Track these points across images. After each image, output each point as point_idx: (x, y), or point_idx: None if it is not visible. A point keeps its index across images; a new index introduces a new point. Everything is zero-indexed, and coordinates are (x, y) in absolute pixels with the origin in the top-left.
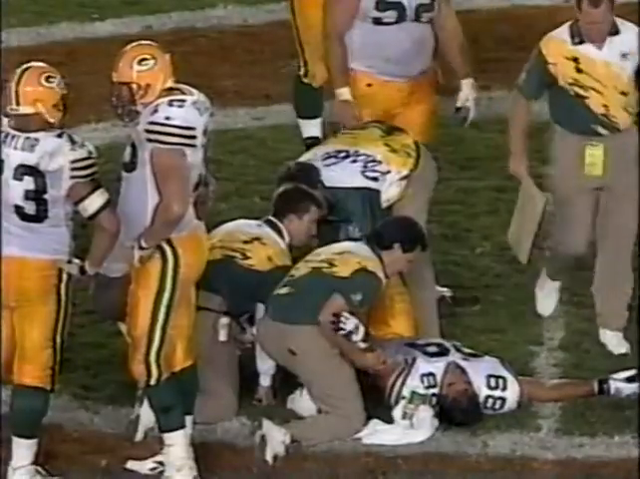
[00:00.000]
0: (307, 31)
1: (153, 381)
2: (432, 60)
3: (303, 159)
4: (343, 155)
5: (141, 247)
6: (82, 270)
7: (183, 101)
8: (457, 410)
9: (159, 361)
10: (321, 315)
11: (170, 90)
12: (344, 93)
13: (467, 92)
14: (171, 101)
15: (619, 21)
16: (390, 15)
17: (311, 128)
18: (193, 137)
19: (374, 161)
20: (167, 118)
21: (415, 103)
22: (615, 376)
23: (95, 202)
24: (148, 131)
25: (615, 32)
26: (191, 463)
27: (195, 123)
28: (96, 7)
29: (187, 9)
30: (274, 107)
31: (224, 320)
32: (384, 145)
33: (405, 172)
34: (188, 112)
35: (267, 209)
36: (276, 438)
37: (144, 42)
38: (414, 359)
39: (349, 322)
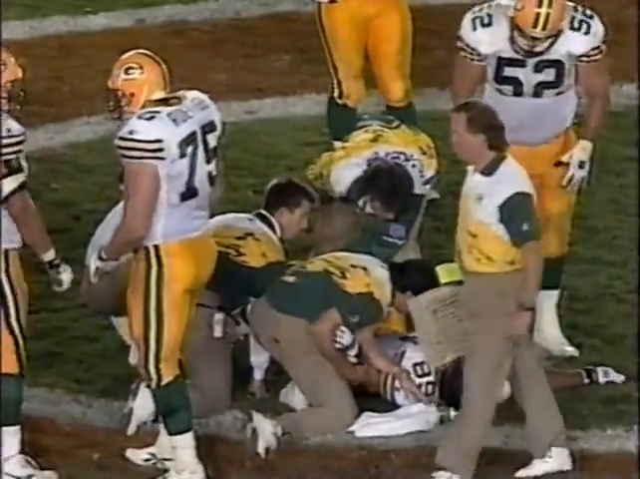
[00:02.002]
0: (338, 50)
1: (153, 385)
2: (562, 128)
3: (365, 155)
4: (403, 158)
5: (100, 258)
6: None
7: (156, 112)
8: (459, 379)
9: (157, 366)
10: (316, 325)
11: (164, 100)
12: None
13: (578, 152)
14: (142, 114)
15: (508, 165)
16: (507, 89)
17: None
18: (159, 149)
19: (422, 164)
20: (131, 132)
21: (547, 166)
22: (602, 368)
23: (9, 184)
24: (116, 145)
25: (488, 172)
26: (194, 467)
27: (164, 135)
28: (89, 0)
29: (180, 2)
30: (267, 100)
31: (219, 316)
32: (419, 147)
33: (431, 173)
34: (157, 124)
35: (260, 202)
36: (267, 430)
37: (139, 51)
38: (403, 352)
39: (346, 337)
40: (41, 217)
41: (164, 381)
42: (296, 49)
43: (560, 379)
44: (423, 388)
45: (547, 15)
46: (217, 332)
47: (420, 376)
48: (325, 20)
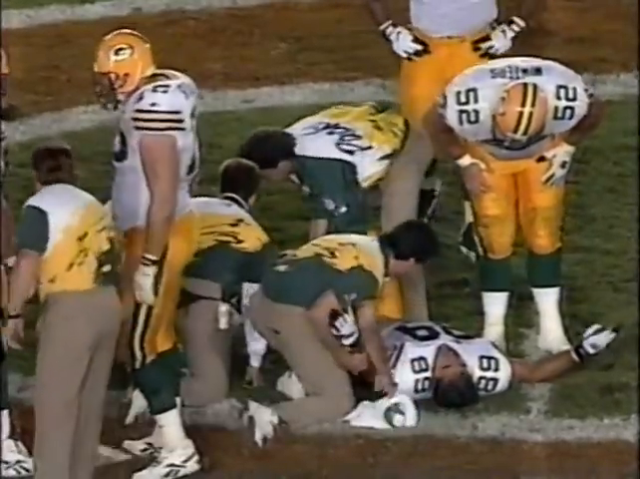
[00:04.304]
0: (414, 109)
1: (137, 364)
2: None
3: (289, 129)
4: (322, 126)
5: (152, 262)
6: None
7: (168, 86)
8: (453, 393)
9: (142, 344)
10: (314, 311)
11: (154, 77)
12: (464, 160)
13: (562, 153)
14: (156, 87)
15: None
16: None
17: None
18: (181, 120)
19: (353, 135)
20: (153, 104)
21: (531, 162)
22: (585, 335)
23: None
24: (135, 119)
25: None
26: (186, 443)
27: (182, 106)
28: None
29: None
30: (264, 89)
31: (224, 308)
32: (369, 121)
33: (387, 150)
34: (174, 96)
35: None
36: (264, 419)
37: (123, 31)
38: (402, 345)
39: (346, 327)
40: (12, 223)
41: (148, 360)
42: (293, 38)
43: (551, 366)
44: (419, 384)
45: (530, 116)
46: (223, 324)
47: (417, 372)
48: (403, 76)
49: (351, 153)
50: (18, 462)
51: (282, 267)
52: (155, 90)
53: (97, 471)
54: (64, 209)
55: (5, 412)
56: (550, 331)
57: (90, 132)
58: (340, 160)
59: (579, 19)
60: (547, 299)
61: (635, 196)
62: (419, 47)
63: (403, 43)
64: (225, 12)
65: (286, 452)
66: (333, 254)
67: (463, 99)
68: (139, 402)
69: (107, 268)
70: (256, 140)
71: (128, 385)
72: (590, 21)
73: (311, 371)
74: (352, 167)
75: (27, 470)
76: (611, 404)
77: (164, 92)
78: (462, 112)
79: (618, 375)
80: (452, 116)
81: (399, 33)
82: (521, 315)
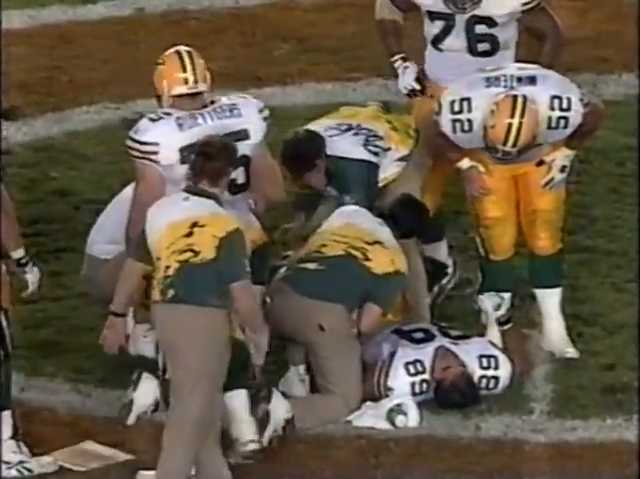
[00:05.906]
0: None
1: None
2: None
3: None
4: (345, 127)
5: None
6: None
7: (167, 114)
8: (455, 393)
9: None
10: (362, 326)
11: (189, 96)
12: (463, 163)
13: (561, 157)
14: (153, 114)
15: None
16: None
17: (436, 251)
18: (153, 152)
19: (376, 136)
20: (135, 131)
21: (530, 165)
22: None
23: None
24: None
25: None
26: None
27: (164, 139)
28: None
29: None
30: (266, 89)
31: None
32: (386, 122)
33: (404, 151)
34: (159, 127)
35: None
36: (279, 416)
37: (179, 48)
38: (394, 351)
39: None
40: (14, 213)
41: None
42: (295, 38)
43: (516, 347)
44: (417, 387)
45: (519, 128)
46: None
47: (413, 375)
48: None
49: (376, 154)
50: (20, 463)
51: (312, 265)
52: (148, 117)
53: (98, 471)
54: (155, 227)
55: (7, 413)
56: (553, 332)
57: (92, 132)
58: (367, 161)
59: (581, 19)
60: (549, 300)
61: (637, 196)
62: (417, 87)
63: (406, 78)
64: (227, 12)
65: (288, 452)
66: (366, 257)
67: (456, 108)
68: (140, 402)
69: (171, 293)
70: (292, 144)
71: (128, 385)
72: (592, 21)
73: (336, 367)
74: (377, 168)
75: (29, 470)
76: (613, 405)
77: (154, 120)
78: (455, 121)
79: (620, 376)
80: (446, 124)
81: (405, 68)
82: (524, 316)
